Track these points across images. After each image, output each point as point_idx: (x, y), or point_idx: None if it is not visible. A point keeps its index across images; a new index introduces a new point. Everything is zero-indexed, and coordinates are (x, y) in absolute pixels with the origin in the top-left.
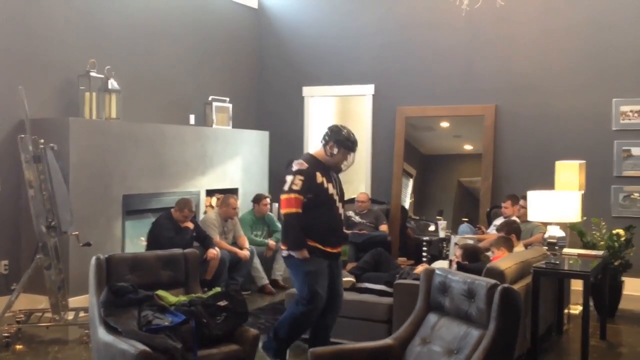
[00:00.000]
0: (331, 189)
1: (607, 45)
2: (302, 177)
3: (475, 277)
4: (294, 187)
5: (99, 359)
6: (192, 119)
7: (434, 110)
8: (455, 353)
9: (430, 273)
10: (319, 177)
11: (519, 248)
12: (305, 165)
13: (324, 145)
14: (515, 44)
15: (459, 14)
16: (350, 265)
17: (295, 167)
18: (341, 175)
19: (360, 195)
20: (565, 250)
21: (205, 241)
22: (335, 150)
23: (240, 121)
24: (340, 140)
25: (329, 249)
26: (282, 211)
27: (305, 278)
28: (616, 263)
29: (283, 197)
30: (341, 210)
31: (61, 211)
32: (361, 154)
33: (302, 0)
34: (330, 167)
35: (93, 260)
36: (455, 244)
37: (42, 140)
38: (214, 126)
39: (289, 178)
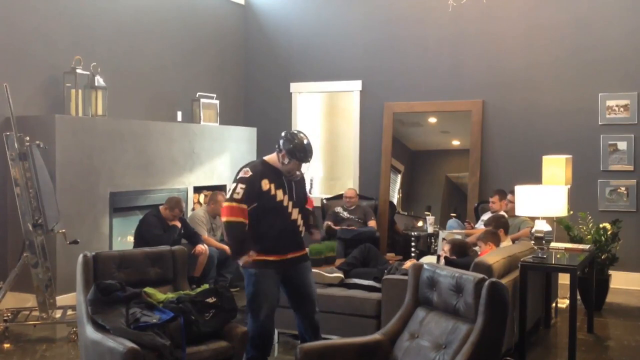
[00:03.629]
0: (280, 195)
1: (593, 40)
2: (243, 186)
3: (463, 271)
4: (235, 196)
5: (87, 357)
6: (179, 115)
7: (422, 106)
8: (443, 347)
9: (418, 268)
10: (266, 185)
11: (506, 243)
12: (249, 174)
13: (278, 152)
14: (502, 39)
15: (445, 9)
16: (338, 261)
17: (239, 175)
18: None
19: (348, 191)
20: (553, 244)
21: (194, 238)
22: (287, 160)
23: (228, 118)
24: (291, 150)
25: (273, 257)
26: (222, 219)
27: (249, 294)
28: (603, 257)
29: (225, 204)
30: (295, 216)
31: (48, 209)
32: (349, 150)
33: None
34: (283, 173)
35: (80, 258)
36: (443, 239)
37: (27, 138)
38: (201, 123)
39: (232, 186)
